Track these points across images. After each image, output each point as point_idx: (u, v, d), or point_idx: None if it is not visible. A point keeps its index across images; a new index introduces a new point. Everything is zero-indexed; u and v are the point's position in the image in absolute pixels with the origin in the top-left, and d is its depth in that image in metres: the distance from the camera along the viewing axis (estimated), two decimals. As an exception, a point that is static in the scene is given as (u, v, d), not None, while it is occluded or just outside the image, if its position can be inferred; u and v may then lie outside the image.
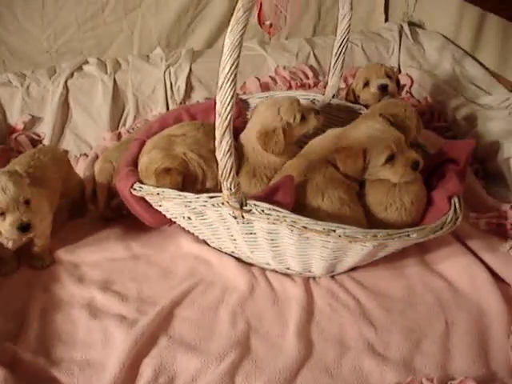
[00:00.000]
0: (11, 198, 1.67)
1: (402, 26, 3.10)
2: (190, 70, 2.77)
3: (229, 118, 1.43)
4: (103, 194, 2.09)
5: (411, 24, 3.16)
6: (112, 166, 2.09)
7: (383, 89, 2.24)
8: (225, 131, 1.45)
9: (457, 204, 1.76)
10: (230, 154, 1.49)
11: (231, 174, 1.53)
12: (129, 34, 3.13)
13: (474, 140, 2.00)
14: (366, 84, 2.29)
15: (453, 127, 2.53)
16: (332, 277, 1.89)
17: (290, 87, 2.80)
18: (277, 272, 1.90)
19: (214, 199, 1.66)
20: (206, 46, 3.19)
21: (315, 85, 2.82)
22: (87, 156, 2.57)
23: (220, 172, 1.53)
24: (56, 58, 3.04)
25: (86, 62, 2.79)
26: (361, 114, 2.14)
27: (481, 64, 2.71)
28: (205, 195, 1.68)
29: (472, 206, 2.08)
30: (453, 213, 1.72)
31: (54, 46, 3.04)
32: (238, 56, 1.38)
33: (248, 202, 1.62)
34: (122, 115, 2.73)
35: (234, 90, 1.41)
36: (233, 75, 1.39)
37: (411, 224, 1.79)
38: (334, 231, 1.57)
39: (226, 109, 1.42)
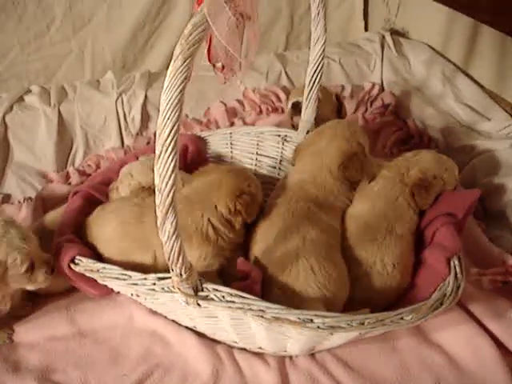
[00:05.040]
0: None
1: (383, 36, 2.79)
2: (146, 96, 2.45)
3: (171, 194, 1.13)
4: None
5: (393, 32, 2.85)
6: None
7: (295, 107, 2.06)
8: (168, 210, 1.15)
9: (457, 268, 1.49)
10: (177, 236, 1.19)
11: (180, 258, 1.23)
12: (79, 54, 2.79)
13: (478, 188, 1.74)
14: None
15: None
16: (312, 355, 1.59)
17: (260, 112, 2.49)
18: (247, 351, 1.60)
19: (163, 282, 1.36)
20: (167, 65, 2.84)
21: (289, 108, 2.51)
22: (32, 200, 2.25)
23: (167, 256, 1.23)
24: (-1, 85, 2.70)
25: (29, 91, 2.46)
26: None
27: (475, 81, 2.42)
28: (152, 276, 1.39)
29: (473, 256, 1.79)
30: (453, 280, 1.45)
31: (-5, 72, 2.70)
32: (179, 116, 1.09)
33: (205, 286, 1.32)
34: (69, 152, 2.41)
35: (176, 160, 1.11)
36: (173, 142, 1.09)
37: (397, 290, 1.58)
38: (312, 321, 1.28)
39: (167, 184, 1.12)
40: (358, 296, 1.55)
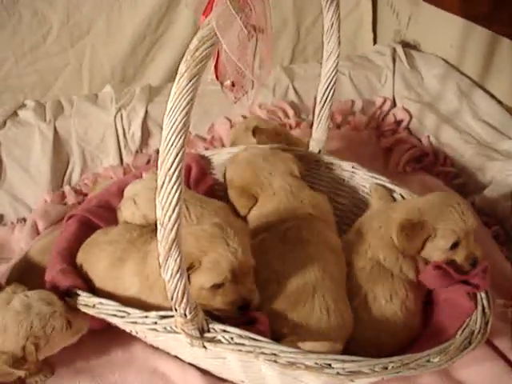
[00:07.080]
0: None
1: (394, 49, 2.66)
2: (146, 112, 2.34)
3: (175, 229, 1.02)
4: None
5: (404, 45, 2.72)
6: None
7: None
8: (171, 246, 1.04)
9: (485, 301, 1.37)
10: (181, 275, 1.07)
11: (185, 298, 1.12)
12: (76, 67, 2.69)
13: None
14: None
15: (462, 174, 2.11)
16: (328, 394, 1.47)
17: (267, 129, 2.37)
18: (256, 390, 1.48)
19: (165, 321, 1.25)
20: (169, 78, 2.75)
21: (297, 125, 2.39)
22: (25, 221, 2.14)
23: (170, 295, 1.11)
24: (-6, 99, 2.60)
25: (23, 106, 2.35)
26: (354, 172, 1.76)
27: (493, 97, 2.27)
28: (154, 314, 1.28)
29: (496, 286, 1.66)
30: (481, 315, 1.33)
31: (-11, 86, 2.59)
32: (184, 142, 0.98)
33: (212, 326, 1.20)
34: (65, 170, 2.31)
35: (181, 191, 1.00)
36: (177, 170, 0.99)
37: (405, 331, 1.45)
38: (330, 366, 1.15)
39: (171, 217, 1.01)
40: (365, 336, 1.42)
